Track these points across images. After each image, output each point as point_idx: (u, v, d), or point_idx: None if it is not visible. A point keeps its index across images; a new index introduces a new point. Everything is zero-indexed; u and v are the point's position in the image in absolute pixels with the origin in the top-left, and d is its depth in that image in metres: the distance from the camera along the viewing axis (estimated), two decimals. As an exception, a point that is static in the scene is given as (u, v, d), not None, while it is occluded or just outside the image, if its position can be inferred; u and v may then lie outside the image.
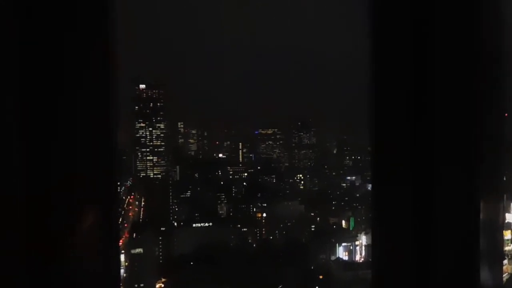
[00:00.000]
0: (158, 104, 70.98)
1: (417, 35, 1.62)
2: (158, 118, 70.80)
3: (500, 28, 1.68)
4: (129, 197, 71.58)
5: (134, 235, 46.33)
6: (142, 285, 43.36)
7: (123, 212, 67.68)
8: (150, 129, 70.87)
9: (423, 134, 1.64)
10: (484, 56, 1.64)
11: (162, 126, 71.36)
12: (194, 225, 47.85)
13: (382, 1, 1.67)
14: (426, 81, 1.62)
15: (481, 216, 1.62)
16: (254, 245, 50.07)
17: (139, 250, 44.15)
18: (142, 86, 69.77)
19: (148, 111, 70.31)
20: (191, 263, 37.90)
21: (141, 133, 70.79)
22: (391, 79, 1.67)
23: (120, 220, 67.38)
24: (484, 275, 1.66)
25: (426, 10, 1.61)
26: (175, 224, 52.18)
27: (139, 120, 70.39)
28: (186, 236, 43.40)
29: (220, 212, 58.64)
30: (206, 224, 47.82)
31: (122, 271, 52.53)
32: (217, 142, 77.58)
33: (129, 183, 72.43)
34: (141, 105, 70.16)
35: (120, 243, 60.01)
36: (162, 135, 71.44)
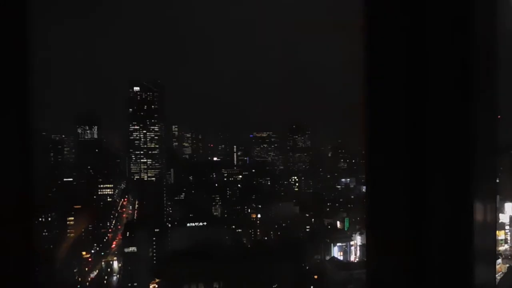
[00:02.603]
0: (153, 106, 70.96)
1: (411, 38, 1.65)
2: (152, 121, 70.76)
3: (495, 29, 1.72)
4: (122, 199, 71.40)
5: (128, 233, 46.08)
6: (135, 284, 43.03)
7: (116, 214, 67.48)
8: (144, 131, 70.79)
9: (417, 136, 1.68)
10: (478, 58, 1.66)
11: (156, 128, 71.32)
12: (188, 224, 47.68)
13: (377, 7, 1.70)
14: (420, 84, 1.65)
15: (474, 217, 1.66)
16: (249, 246, 49.96)
17: (132, 249, 43.88)
18: (136, 88, 69.78)
19: (142, 113, 70.27)
20: (185, 259, 37.62)
21: (135, 135, 70.70)
22: (385, 82, 1.70)
23: (114, 222, 67.15)
24: (478, 274, 1.68)
25: (418, 13, 1.64)
26: (169, 225, 52.06)
27: (133, 123, 70.37)
28: (180, 235, 43.26)
29: (215, 213, 58.60)
30: (201, 224, 47.67)
31: (115, 271, 52.07)
32: (211, 145, 77.68)
33: (123, 186, 72.29)
34: (135, 107, 70.16)
35: (113, 245, 59.73)
36: (156, 137, 71.37)
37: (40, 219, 52.15)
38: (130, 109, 70.91)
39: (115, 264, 51.63)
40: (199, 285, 36.42)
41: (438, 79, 1.65)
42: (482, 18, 1.65)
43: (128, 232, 46.19)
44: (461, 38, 1.62)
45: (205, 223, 47.35)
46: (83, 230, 54.40)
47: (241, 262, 38.43)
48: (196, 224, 46.99)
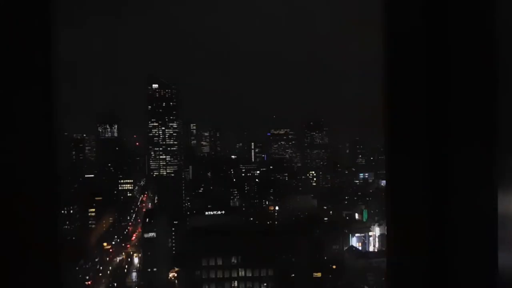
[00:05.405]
0: (171, 103, 71.74)
1: (431, 31, 1.69)
2: (171, 118, 71.49)
3: None
4: (142, 195, 72.25)
5: (147, 220, 46.63)
6: (155, 269, 43.47)
7: (136, 209, 68.28)
8: (163, 128, 71.55)
9: (439, 128, 1.70)
10: (500, 44, 1.66)
11: (174, 125, 72.01)
12: (206, 213, 48.05)
13: (396, 3, 1.75)
14: (440, 77, 1.69)
15: (498, 205, 1.65)
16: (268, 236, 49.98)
17: (152, 235, 44.36)
18: (155, 85, 70.64)
19: (161, 110, 71.08)
20: (203, 235, 37.58)
21: (154, 132, 71.52)
22: (404, 76, 1.74)
23: (134, 216, 67.93)
24: (503, 263, 1.64)
25: (439, 5, 1.68)
26: (188, 213, 52.62)
27: (152, 120, 71.23)
28: (199, 222, 43.52)
29: (233, 206, 58.74)
30: (219, 212, 48.00)
31: (136, 260, 52.73)
32: (229, 144, 78.03)
33: (142, 182, 73.15)
34: (154, 104, 71.03)
35: (134, 237, 60.43)
36: (174, 134, 72.04)
37: (62, 211, 53.19)
38: (149, 106, 71.74)
39: (135, 259, 52.19)
40: (217, 260, 36.71)
41: (460, 74, 1.67)
42: (505, 17, 1.66)
43: (147, 219, 46.74)
44: (485, 35, 1.64)
45: (223, 212, 47.66)
46: (104, 222, 55.27)
47: (258, 238, 38.55)
48: (215, 212, 47.29)
